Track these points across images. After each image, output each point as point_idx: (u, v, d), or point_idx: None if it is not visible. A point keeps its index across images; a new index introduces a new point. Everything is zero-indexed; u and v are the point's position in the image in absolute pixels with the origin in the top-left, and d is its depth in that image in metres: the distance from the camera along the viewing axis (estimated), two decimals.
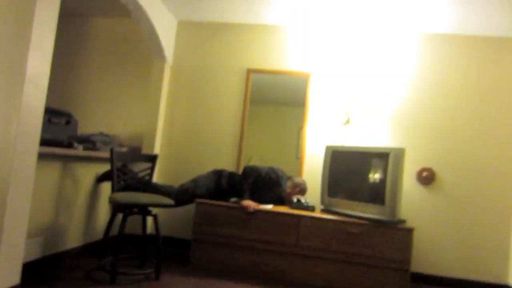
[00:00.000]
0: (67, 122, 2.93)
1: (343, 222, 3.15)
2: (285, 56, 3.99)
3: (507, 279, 3.51)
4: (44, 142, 2.58)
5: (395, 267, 3.04)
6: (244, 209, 3.23)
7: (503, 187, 3.60)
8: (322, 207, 3.52)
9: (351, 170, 3.41)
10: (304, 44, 3.97)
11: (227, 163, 3.94)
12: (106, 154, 3.27)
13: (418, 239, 3.59)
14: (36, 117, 2.25)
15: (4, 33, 2.16)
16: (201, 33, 4.15)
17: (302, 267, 3.17)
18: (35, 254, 2.73)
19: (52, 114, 2.79)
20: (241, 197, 3.33)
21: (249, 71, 4.01)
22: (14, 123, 2.13)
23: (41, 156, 2.60)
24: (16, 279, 2.26)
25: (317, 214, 3.28)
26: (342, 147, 3.50)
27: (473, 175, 3.64)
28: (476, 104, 3.69)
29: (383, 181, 3.13)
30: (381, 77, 3.85)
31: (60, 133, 2.86)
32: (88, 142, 3.23)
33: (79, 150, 3.01)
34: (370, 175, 3.28)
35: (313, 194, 3.68)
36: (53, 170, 2.86)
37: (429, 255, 3.61)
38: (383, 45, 3.86)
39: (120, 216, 3.20)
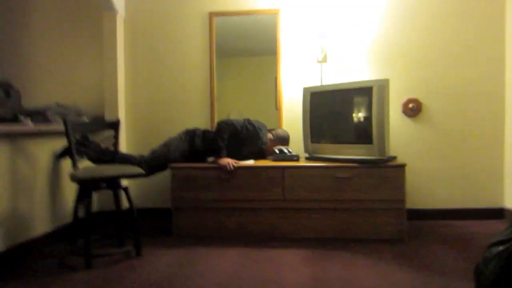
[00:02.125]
0: (7, 94, 2.53)
1: (330, 167, 2.93)
2: None
3: (502, 202, 3.42)
4: None
5: (390, 207, 2.88)
6: (223, 168, 2.96)
7: (492, 108, 3.43)
8: (306, 155, 3.28)
9: (333, 111, 3.15)
10: None
11: (201, 122, 3.62)
12: (61, 126, 2.90)
13: (409, 174, 3.41)
14: None
15: None
16: None
17: (292, 221, 2.97)
18: None
19: None
20: (218, 155, 3.05)
21: (212, 15, 3.59)
22: None
23: None
24: None
25: (302, 163, 3.05)
26: (321, 86, 3.22)
27: (460, 101, 3.45)
28: (454, 26, 3.44)
29: (368, 118, 2.88)
30: (355, 8, 3.50)
31: None
32: (38, 114, 2.85)
33: (27, 125, 2.64)
34: (354, 114, 3.03)
35: (297, 143, 3.43)
36: (1, 150, 2.50)
37: (423, 189, 3.47)
38: None
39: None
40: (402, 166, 2.88)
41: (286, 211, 2.97)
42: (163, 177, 3.45)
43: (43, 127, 2.75)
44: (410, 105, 3.47)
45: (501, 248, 1.39)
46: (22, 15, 3.78)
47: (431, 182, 3.46)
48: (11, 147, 2.59)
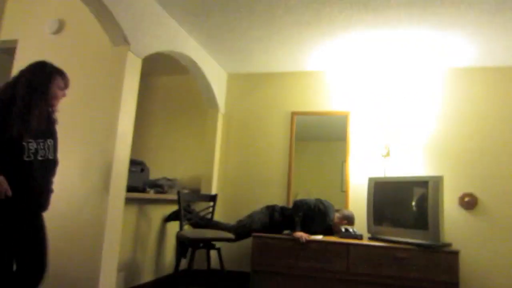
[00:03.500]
0: (142, 170, 3.44)
1: (390, 248, 3.38)
2: (325, 98, 4.40)
3: None
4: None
5: None
6: (297, 240, 3.54)
7: None
8: (369, 235, 3.76)
9: (394, 199, 3.66)
10: (342, 86, 4.37)
11: (278, 198, 4.29)
12: (172, 196, 3.74)
13: (465, 262, 3.71)
14: (124, 168, 2.76)
15: (101, 102, 2.71)
16: (248, 83, 4.67)
17: None
18: (119, 287, 3.17)
19: (131, 164, 3.29)
20: (293, 229, 3.65)
21: (293, 114, 4.43)
22: (108, 174, 2.63)
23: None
24: None
25: (365, 241, 3.53)
26: (384, 178, 3.78)
27: None
28: (508, 131, 3.89)
29: (424, 207, 3.36)
30: (414, 111, 4.14)
31: (136, 180, 3.36)
32: (157, 186, 3.71)
33: (151, 194, 3.50)
34: (412, 203, 3.53)
35: (360, 223, 3.93)
36: (132, 212, 3.34)
37: (478, 277, 3.71)
38: (413, 81, 4.19)
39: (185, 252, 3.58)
40: (455, 253, 3.26)
41: (349, 283, 3.41)
42: (244, 244, 4.08)
43: (161, 196, 3.59)
44: (466, 199, 3.87)
45: None
46: (148, 111, 4.92)
47: (487, 272, 3.70)
48: (138, 210, 3.43)
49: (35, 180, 2.09)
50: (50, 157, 2.19)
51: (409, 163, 4.05)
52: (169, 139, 4.80)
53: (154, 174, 4.50)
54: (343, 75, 4.39)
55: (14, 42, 3.31)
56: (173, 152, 4.75)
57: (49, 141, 2.19)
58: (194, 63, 3.86)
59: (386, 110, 4.22)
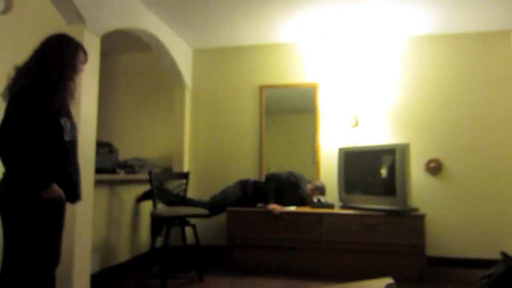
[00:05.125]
0: (110, 151, 3.38)
1: (360, 215, 3.49)
2: (293, 70, 4.38)
3: None
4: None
5: (411, 252, 3.36)
6: (270, 212, 3.60)
7: (507, 169, 3.88)
8: (340, 204, 3.86)
9: (363, 168, 3.75)
10: (310, 58, 4.35)
11: (250, 173, 4.33)
12: (143, 176, 3.70)
13: (432, 225, 3.88)
14: (90, 150, 2.70)
15: None
16: (215, 58, 4.59)
17: (327, 260, 3.51)
18: (94, 268, 3.16)
19: (98, 146, 3.23)
20: (266, 202, 3.71)
21: (262, 88, 4.41)
22: None
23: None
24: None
25: (337, 210, 3.63)
26: (353, 147, 3.86)
27: (477, 161, 3.92)
28: (470, 96, 4.01)
29: (392, 174, 3.46)
30: (380, 80, 4.20)
31: (105, 161, 3.31)
32: (128, 167, 3.67)
33: (121, 175, 3.45)
34: (381, 171, 3.63)
35: (331, 193, 4.02)
36: (103, 194, 3.30)
37: (444, 239, 3.90)
38: (378, 51, 4.22)
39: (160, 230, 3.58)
40: (421, 217, 3.40)
41: (322, 251, 3.52)
42: (218, 219, 4.12)
43: (132, 176, 3.55)
44: (432, 164, 4.01)
45: (485, 280, 2.15)
46: (113, 91, 4.77)
47: (452, 232, 3.88)
48: (109, 191, 3.39)
49: (73, 166, 1.97)
50: (77, 138, 2.05)
51: (377, 132, 4.14)
52: (137, 119, 4.71)
53: (124, 155, 4.43)
54: (311, 47, 4.37)
55: None
56: (142, 132, 4.67)
57: (74, 121, 2.02)
58: (156, 40, 3.75)
59: (353, 81, 4.26)
